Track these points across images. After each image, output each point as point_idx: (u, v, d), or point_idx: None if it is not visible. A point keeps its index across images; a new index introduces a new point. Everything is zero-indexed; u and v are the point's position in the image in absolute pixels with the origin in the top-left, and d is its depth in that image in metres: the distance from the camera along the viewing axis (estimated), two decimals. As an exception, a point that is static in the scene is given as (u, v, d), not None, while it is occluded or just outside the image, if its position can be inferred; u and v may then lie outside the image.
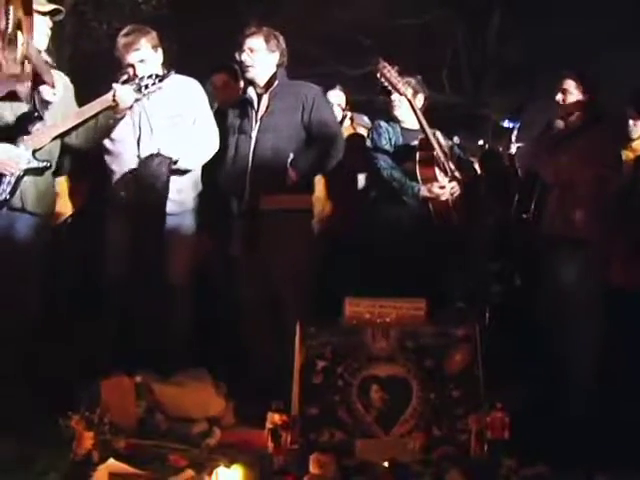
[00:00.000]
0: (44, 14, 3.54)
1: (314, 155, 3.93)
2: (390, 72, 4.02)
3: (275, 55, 3.99)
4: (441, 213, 4.19)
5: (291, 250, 3.83)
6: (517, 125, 4.19)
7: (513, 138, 4.09)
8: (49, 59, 3.60)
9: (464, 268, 4.39)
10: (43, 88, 3.50)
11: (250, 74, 3.97)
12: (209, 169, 4.02)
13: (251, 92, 4.00)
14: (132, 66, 3.79)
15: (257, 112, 3.96)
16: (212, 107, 4.18)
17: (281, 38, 4.02)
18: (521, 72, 9.19)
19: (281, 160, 3.87)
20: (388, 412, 3.09)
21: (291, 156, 3.87)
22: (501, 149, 4.55)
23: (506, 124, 4.22)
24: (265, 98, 3.96)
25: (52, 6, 3.60)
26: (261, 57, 3.95)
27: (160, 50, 3.90)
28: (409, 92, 4.13)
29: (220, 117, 4.09)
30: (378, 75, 4.02)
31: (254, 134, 3.92)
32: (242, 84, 4.29)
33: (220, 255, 4.08)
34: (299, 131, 3.95)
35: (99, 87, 3.72)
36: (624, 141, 4.16)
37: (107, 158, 3.91)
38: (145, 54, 3.80)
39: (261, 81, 3.98)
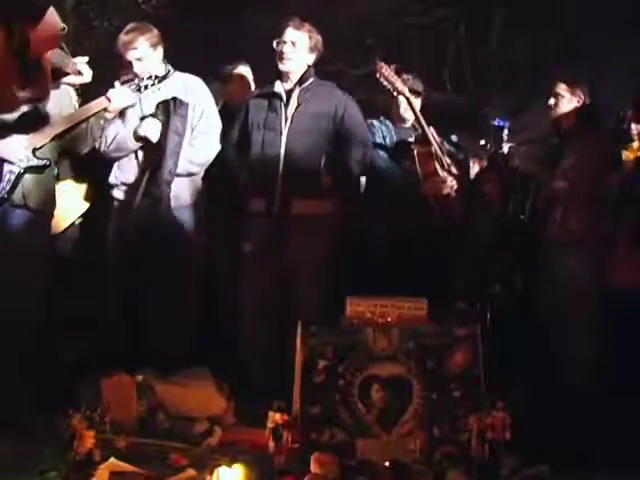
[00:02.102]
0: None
1: (345, 159, 3.92)
2: (388, 71, 4.02)
3: (313, 56, 3.96)
4: (443, 208, 4.19)
5: (315, 251, 3.83)
6: (507, 124, 4.17)
7: (504, 137, 4.08)
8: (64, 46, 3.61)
9: (465, 268, 4.40)
10: (68, 78, 3.53)
11: (285, 66, 3.91)
12: (220, 164, 4.01)
13: (279, 87, 3.95)
14: (130, 63, 3.83)
15: (287, 109, 3.90)
16: (218, 103, 4.18)
17: (320, 39, 3.98)
18: (524, 71, 9.17)
19: (314, 163, 3.86)
20: (389, 412, 3.09)
21: (323, 160, 3.86)
22: (492, 148, 4.51)
23: (496, 123, 4.17)
24: (295, 94, 3.91)
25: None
26: (301, 53, 3.91)
27: (160, 48, 3.93)
28: (407, 90, 4.13)
29: (235, 110, 4.06)
30: (377, 75, 4.02)
31: (285, 132, 3.87)
32: (253, 83, 4.28)
33: (224, 254, 4.08)
34: (330, 134, 3.92)
35: (100, 86, 3.73)
36: (623, 141, 4.16)
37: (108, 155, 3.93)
38: (142, 53, 3.85)
39: (294, 76, 3.93)
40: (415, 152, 4.16)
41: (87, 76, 3.64)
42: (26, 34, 2.61)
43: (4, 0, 2.56)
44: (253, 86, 4.41)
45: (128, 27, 3.92)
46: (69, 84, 3.63)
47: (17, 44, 2.62)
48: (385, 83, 4.05)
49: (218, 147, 3.99)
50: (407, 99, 4.12)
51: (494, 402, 3.04)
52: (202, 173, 4.02)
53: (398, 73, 4.09)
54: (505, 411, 3.01)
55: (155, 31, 3.93)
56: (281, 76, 3.96)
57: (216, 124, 4.02)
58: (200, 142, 3.93)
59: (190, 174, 3.93)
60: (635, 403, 3.47)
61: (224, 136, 4.03)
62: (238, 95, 4.32)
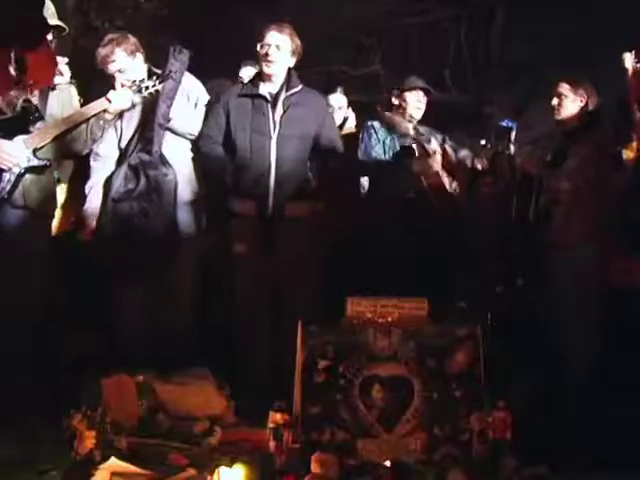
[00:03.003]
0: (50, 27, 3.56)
1: (326, 165, 4.01)
2: (393, 120, 4.22)
3: (293, 59, 3.99)
4: (442, 200, 4.22)
5: (304, 253, 3.86)
6: (514, 125, 4.16)
7: (512, 138, 4.08)
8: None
9: (466, 268, 4.40)
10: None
11: (270, 69, 3.93)
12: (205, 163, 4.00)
13: (264, 89, 3.96)
14: (111, 76, 3.84)
15: (274, 112, 3.92)
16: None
17: (300, 44, 4.00)
18: (525, 71, 9.16)
19: (304, 167, 3.95)
20: (390, 412, 3.08)
21: (308, 164, 3.95)
22: (500, 149, 4.52)
23: (504, 124, 4.16)
24: (281, 99, 3.93)
25: (57, 22, 3.63)
26: (284, 56, 3.94)
27: (139, 54, 3.93)
28: (411, 129, 4.26)
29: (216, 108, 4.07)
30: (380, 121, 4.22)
31: (275, 137, 3.88)
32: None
33: (223, 254, 4.08)
34: (312, 140, 3.98)
35: (101, 86, 3.74)
36: (624, 141, 4.16)
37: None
38: (122, 64, 3.86)
39: (277, 79, 3.95)
40: (424, 179, 4.22)
41: (66, 76, 3.71)
42: (24, 58, 2.63)
43: (4, 24, 2.58)
44: None
45: (104, 40, 3.94)
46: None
47: (15, 68, 2.64)
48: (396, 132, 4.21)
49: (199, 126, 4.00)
50: (415, 138, 4.24)
51: (495, 402, 3.04)
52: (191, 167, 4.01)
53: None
54: (506, 411, 3.01)
55: (132, 39, 3.94)
56: (264, 78, 3.98)
57: (204, 105, 4.05)
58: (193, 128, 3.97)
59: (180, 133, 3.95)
60: (636, 403, 3.47)
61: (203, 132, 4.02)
62: None
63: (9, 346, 3.43)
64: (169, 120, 3.85)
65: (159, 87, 3.75)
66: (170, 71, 3.79)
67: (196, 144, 3.99)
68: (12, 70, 2.85)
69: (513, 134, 4.11)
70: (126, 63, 3.86)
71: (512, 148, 4.11)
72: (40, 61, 2.90)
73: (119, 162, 3.90)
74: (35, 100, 3.53)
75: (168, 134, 3.89)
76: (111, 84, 3.74)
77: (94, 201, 3.89)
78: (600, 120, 3.99)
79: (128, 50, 3.88)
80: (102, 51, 3.88)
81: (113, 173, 3.88)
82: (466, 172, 4.53)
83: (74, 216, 4.04)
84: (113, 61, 3.85)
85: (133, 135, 3.89)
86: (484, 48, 10.08)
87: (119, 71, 3.84)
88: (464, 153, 4.62)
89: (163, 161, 3.85)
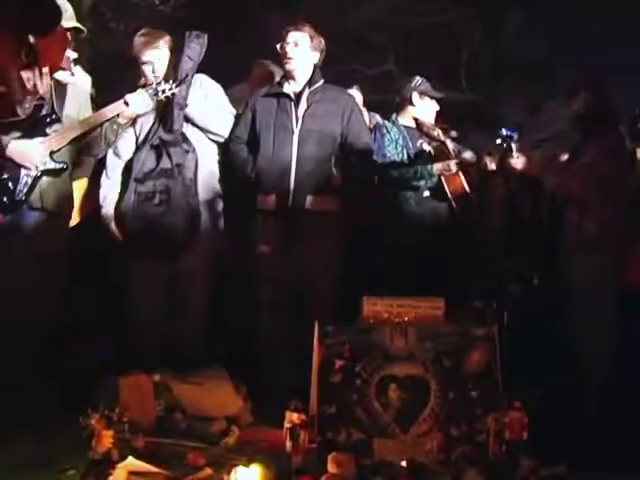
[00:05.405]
0: (66, 30, 3.59)
1: (352, 161, 3.99)
2: (427, 127, 4.21)
3: (316, 54, 4.03)
4: (461, 201, 4.22)
5: (325, 250, 3.88)
6: (515, 134, 4.07)
7: (513, 147, 4.00)
8: None
9: (483, 267, 4.39)
10: (60, 74, 3.58)
11: (291, 66, 3.98)
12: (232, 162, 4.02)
13: (288, 88, 4.00)
14: (147, 64, 3.87)
15: (297, 109, 3.95)
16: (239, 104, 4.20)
17: (322, 39, 4.05)
18: (539, 70, 9.13)
19: (325, 162, 3.93)
20: (406, 411, 3.09)
21: (333, 159, 3.93)
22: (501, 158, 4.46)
23: (504, 133, 4.07)
24: (304, 96, 3.97)
25: (76, 24, 3.66)
26: (303, 52, 3.98)
27: (173, 52, 3.97)
28: (442, 135, 4.25)
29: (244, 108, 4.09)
30: (418, 130, 4.22)
31: (297, 132, 3.92)
32: (277, 78, 4.31)
33: (240, 253, 4.09)
34: (337, 136, 3.98)
35: (118, 87, 3.76)
36: (637, 140, 4.14)
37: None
38: (162, 53, 3.92)
39: (300, 77, 4.00)
40: (443, 178, 4.23)
41: (77, 74, 3.78)
42: (36, 46, 2.64)
43: (16, 13, 2.60)
44: None
45: (144, 30, 3.99)
46: (59, 80, 3.65)
47: (27, 55, 2.65)
48: (427, 138, 4.23)
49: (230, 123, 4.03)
50: (443, 143, 4.24)
51: (511, 402, 3.03)
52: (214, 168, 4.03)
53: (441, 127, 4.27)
54: (522, 411, 3.01)
55: (168, 36, 3.99)
56: (288, 76, 4.02)
57: (227, 111, 4.08)
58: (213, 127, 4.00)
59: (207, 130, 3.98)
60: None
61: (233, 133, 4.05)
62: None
63: (27, 346, 3.45)
64: (187, 103, 3.86)
65: (175, 90, 3.76)
66: (186, 74, 3.82)
67: (226, 145, 4.03)
68: (24, 56, 2.88)
69: (514, 143, 4.02)
70: (165, 55, 3.92)
71: (514, 157, 4.00)
72: (52, 47, 2.91)
73: (137, 148, 3.94)
74: (48, 98, 3.54)
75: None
76: (138, 76, 3.77)
77: (112, 193, 3.93)
78: (615, 119, 3.97)
79: (168, 44, 3.94)
80: (144, 38, 3.92)
81: (132, 158, 3.91)
82: (472, 173, 4.52)
83: (93, 209, 4.05)
84: (156, 48, 3.89)
85: (153, 123, 3.92)
86: (499, 48, 10.06)
87: (158, 60, 3.89)
88: (468, 155, 4.62)
89: (184, 138, 3.89)
